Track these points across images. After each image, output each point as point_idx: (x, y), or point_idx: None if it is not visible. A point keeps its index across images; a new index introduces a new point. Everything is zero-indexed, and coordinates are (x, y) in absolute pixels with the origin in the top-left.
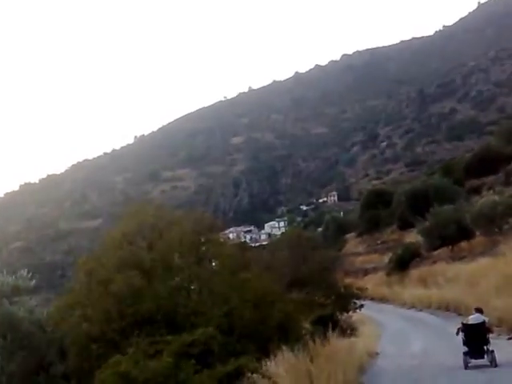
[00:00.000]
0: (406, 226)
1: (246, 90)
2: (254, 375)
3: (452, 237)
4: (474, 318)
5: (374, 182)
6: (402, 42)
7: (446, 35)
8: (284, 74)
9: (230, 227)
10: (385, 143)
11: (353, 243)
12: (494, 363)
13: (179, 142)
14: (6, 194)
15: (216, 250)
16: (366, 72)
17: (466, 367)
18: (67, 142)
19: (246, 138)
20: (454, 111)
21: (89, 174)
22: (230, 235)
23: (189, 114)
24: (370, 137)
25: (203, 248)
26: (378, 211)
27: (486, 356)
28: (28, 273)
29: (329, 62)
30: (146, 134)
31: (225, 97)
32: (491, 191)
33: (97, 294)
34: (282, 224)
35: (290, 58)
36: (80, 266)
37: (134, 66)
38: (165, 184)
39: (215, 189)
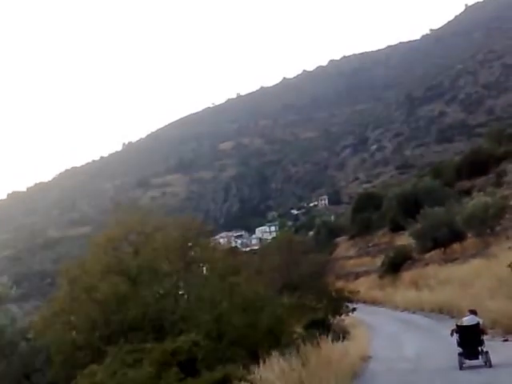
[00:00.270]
0: (397, 228)
1: (234, 96)
2: (242, 383)
3: (444, 239)
4: (468, 320)
5: (365, 185)
6: (388, 46)
7: (434, 39)
8: (272, 79)
9: (220, 232)
10: (374, 147)
11: (344, 247)
12: (488, 364)
13: (168, 149)
14: None
15: (204, 254)
16: (354, 77)
17: (461, 368)
18: (55, 149)
19: (235, 144)
20: (443, 114)
21: (77, 181)
22: (221, 240)
23: (177, 120)
24: (360, 140)
25: (191, 253)
26: (368, 214)
27: (480, 357)
28: (9, 281)
29: (316, 68)
30: (134, 140)
31: (213, 103)
32: (482, 193)
33: (81, 301)
34: (273, 228)
35: (278, 64)
36: (63, 274)
37: (122, 74)
38: (154, 190)
39: (205, 194)
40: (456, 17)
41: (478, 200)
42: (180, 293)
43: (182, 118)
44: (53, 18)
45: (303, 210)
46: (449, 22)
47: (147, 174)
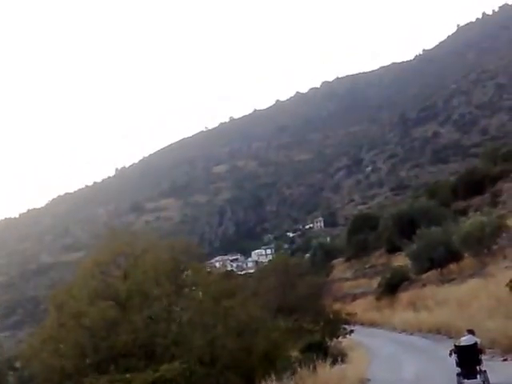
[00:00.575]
0: (393, 249)
1: (227, 119)
2: None
3: (440, 259)
4: (466, 340)
5: (360, 206)
6: (381, 67)
7: (426, 59)
8: (265, 102)
9: (216, 256)
10: (369, 168)
11: (341, 268)
12: (486, 383)
13: (161, 173)
14: None
15: (196, 277)
16: (348, 98)
17: None
18: (47, 175)
19: (230, 167)
20: (437, 134)
21: (70, 207)
22: (216, 264)
23: (170, 144)
24: (354, 162)
25: (183, 276)
26: (364, 235)
27: (478, 376)
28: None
29: (310, 90)
30: (127, 166)
31: (206, 127)
32: (478, 212)
33: (69, 327)
34: (268, 251)
35: (271, 86)
36: (50, 300)
37: (115, 99)
38: (148, 215)
39: (200, 218)
40: (448, 37)
41: (474, 219)
42: (172, 317)
43: (175, 143)
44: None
45: (299, 233)
46: (441, 42)
47: (141, 198)
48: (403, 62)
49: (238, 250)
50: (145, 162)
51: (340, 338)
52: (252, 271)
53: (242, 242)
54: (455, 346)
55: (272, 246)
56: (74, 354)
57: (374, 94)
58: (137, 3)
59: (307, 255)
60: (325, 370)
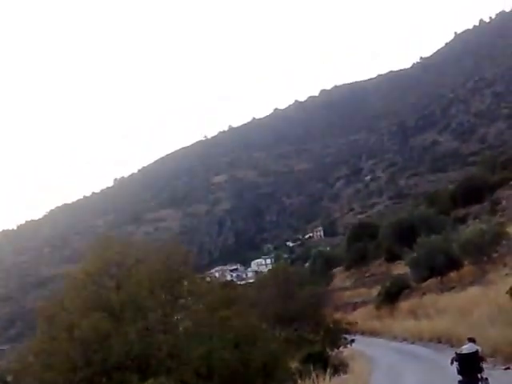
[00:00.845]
0: (393, 257)
1: (226, 128)
2: None
3: (440, 267)
4: (467, 348)
5: (359, 216)
6: (379, 75)
7: (424, 67)
8: (263, 110)
9: (215, 266)
10: (368, 177)
11: (340, 277)
12: None
13: (160, 183)
14: None
15: (192, 287)
16: (346, 106)
17: None
18: (45, 186)
19: (229, 177)
20: (436, 143)
21: (69, 218)
22: (216, 274)
23: (169, 154)
24: (354, 171)
25: (177, 285)
26: (364, 244)
27: None
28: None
29: (308, 98)
30: (125, 176)
31: (205, 136)
32: (477, 220)
33: (60, 340)
34: (268, 261)
35: (269, 94)
36: (40, 312)
37: (112, 110)
38: (147, 225)
39: (199, 228)
40: (446, 44)
41: (474, 227)
42: (167, 328)
43: (173, 152)
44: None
45: (299, 242)
46: (439, 49)
47: (140, 209)
48: (401, 69)
49: (237, 260)
50: (144, 171)
51: (341, 348)
52: (252, 281)
53: (242, 252)
54: (456, 354)
55: (272, 255)
56: (66, 367)
57: (372, 102)
58: (140, 7)
59: (307, 264)
60: (325, 381)
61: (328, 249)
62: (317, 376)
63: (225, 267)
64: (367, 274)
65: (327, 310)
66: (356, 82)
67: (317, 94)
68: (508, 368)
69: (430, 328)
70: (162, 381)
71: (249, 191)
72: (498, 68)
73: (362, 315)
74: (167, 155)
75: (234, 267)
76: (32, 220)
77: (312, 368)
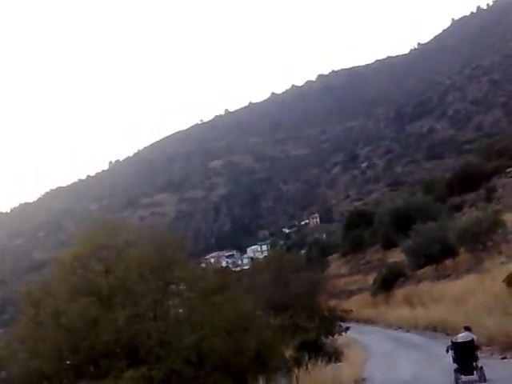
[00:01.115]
0: (389, 245)
1: (223, 112)
2: None
3: (436, 255)
4: (462, 337)
5: (356, 203)
6: (377, 61)
7: (421, 53)
8: (260, 94)
9: (212, 252)
10: (365, 164)
11: (336, 264)
12: (483, 379)
13: (156, 168)
14: None
15: (183, 272)
16: (343, 92)
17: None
18: (40, 168)
19: (225, 162)
20: (433, 130)
21: (63, 201)
22: (211, 260)
23: (165, 138)
24: (350, 158)
25: (169, 271)
26: (360, 231)
27: (475, 372)
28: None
29: (305, 83)
30: (121, 159)
31: (201, 120)
32: (473, 208)
33: (46, 327)
34: (264, 248)
35: (266, 79)
36: (25, 297)
37: (108, 92)
38: (143, 210)
39: (195, 214)
40: (444, 31)
41: (470, 215)
42: (157, 315)
43: (169, 136)
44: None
45: (295, 229)
46: (436, 36)
47: (135, 193)
48: (398, 55)
49: (233, 246)
50: (139, 155)
51: (336, 336)
52: (247, 267)
53: (238, 239)
54: (452, 342)
55: (268, 242)
56: (52, 355)
57: (369, 88)
58: None
59: (303, 251)
60: (320, 368)
61: (324, 236)
62: (311, 364)
63: (221, 253)
64: (363, 262)
65: (322, 297)
66: (353, 67)
67: (314, 78)
68: (505, 358)
69: (425, 316)
70: (144, 371)
71: (245, 177)
72: (495, 55)
73: (357, 303)
74: (163, 139)
75: (230, 253)
76: (26, 203)
77: (307, 356)
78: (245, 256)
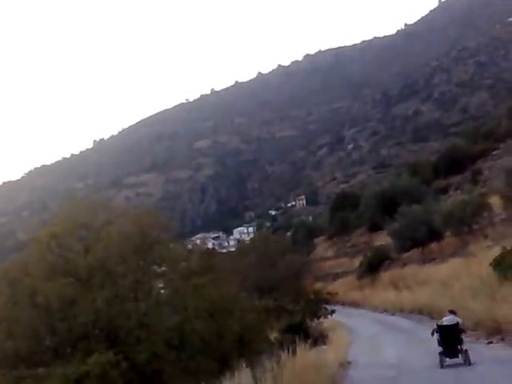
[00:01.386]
0: (375, 227)
1: (209, 92)
2: None
3: (422, 238)
4: (448, 320)
5: (342, 185)
6: (363, 41)
7: (408, 34)
8: (246, 74)
9: (198, 234)
10: (351, 146)
11: (322, 247)
12: (467, 362)
13: (142, 147)
14: None
15: (166, 253)
16: (330, 73)
17: (442, 366)
18: (24, 146)
19: (212, 142)
20: (418, 113)
21: (47, 180)
22: (197, 241)
23: (150, 116)
24: (336, 139)
25: (150, 251)
26: (346, 214)
27: (460, 355)
28: None
29: (292, 63)
30: (105, 138)
31: (187, 99)
32: (459, 191)
33: (22, 306)
34: (250, 230)
35: (252, 58)
36: (2, 276)
37: (93, 69)
38: (128, 190)
39: (181, 195)
40: (430, 11)
41: (455, 198)
42: (138, 296)
43: (155, 115)
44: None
45: (281, 211)
46: (423, 17)
47: (120, 173)
48: (385, 36)
49: (219, 227)
50: (124, 134)
51: (321, 319)
52: (233, 249)
53: (224, 220)
54: (437, 325)
55: (254, 224)
56: (29, 335)
57: (356, 69)
58: None
59: (289, 233)
60: (305, 352)
61: (310, 218)
62: (296, 347)
63: (207, 235)
64: (349, 244)
65: (308, 280)
66: (340, 47)
67: (300, 58)
68: (491, 342)
69: (410, 299)
70: (110, 356)
71: (231, 157)
72: (481, 37)
73: (343, 286)
74: (148, 117)
75: (216, 235)
76: (9, 181)
77: (291, 339)
78: (231, 238)
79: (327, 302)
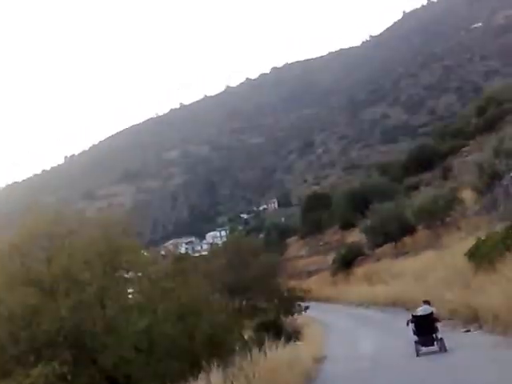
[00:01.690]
0: (347, 226)
1: (178, 106)
2: None
3: (395, 233)
4: (422, 310)
5: (313, 187)
6: (330, 53)
7: (374, 44)
8: (215, 88)
9: (170, 240)
10: (321, 149)
11: (295, 247)
12: (443, 349)
13: (112, 159)
14: None
15: (132, 257)
16: (298, 83)
17: (418, 355)
18: None
19: (182, 152)
20: (386, 116)
21: (19, 196)
22: (170, 247)
23: (121, 131)
24: (306, 144)
25: (116, 256)
26: (319, 214)
27: (435, 343)
28: None
29: (260, 75)
30: (76, 153)
31: (156, 113)
32: (430, 187)
33: None
34: (223, 233)
35: (220, 73)
36: None
37: (63, 85)
38: (100, 201)
39: (153, 203)
40: (395, 23)
41: (426, 192)
42: (103, 303)
43: (125, 129)
44: None
45: (253, 214)
46: (388, 28)
47: (92, 185)
48: (351, 47)
49: (192, 233)
50: (95, 149)
51: (295, 316)
52: (206, 253)
53: (197, 225)
54: (412, 315)
55: (226, 227)
56: None
57: (323, 79)
58: None
59: (261, 235)
60: (278, 348)
61: (283, 219)
62: (269, 344)
63: (179, 240)
64: (322, 243)
65: (282, 279)
66: (307, 59)
67: (268, 71)
68: (468, 330)
69: (385, 293)
70: (54, 365)
71: (202, 166)
72: (447, 43)
73: (317, 282)
74: (119, 132)
75: (189, 240)
76: None
77: (265, 336)
78: (204, 242)
79: (302, 299)
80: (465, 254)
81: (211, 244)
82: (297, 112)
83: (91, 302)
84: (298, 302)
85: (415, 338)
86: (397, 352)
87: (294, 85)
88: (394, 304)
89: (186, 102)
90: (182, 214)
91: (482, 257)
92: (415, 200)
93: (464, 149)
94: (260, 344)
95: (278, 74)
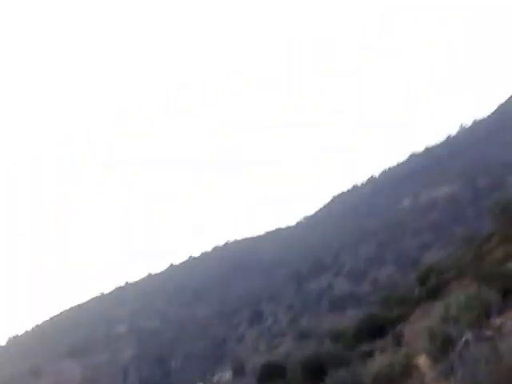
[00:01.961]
0: None
1: (123, 284)
2: None
3: None
4: None
5: (266, 355)
6: (267, 232)
7: (308, 224)
8: (158, 267)
9: None
10: (270, 320)
11: None
12: None
13: (59, 338)
14: None
15: None
16: (241, 259)
17: None
18: None
19: (130, 326)
20: (331, 286)
21: None
22: None
23: (66, 310)
24: (255, 315)
25: None
26: None
27: None
28: None
29: (201, 254)
30: (20, 334)
31: (101, 292)
32: (384, 353)
33: None
34: None
35: (164, 252)
36: None
37: None
38: (47, 378)
39: (101, 380)
40: (325, 206)
41: (382, 360)
42: None
43: (71, 308)
44: None
45: None
46: (320, 208)
47: (39, 361)
48: (288, 227)
49: None
50: (40, 328)
51: None
52: None
53: None
54: None
55: None
56: None
57: (265, 255)
58: None
59: None
60: None
61: None
62: None
63: None
64: None
65: None
66: (246, 238)
67: (210, 249)
68: None
69: None
70: None
71: (152, 339)
72: (378, 222)
73: None
74: (65, 311)
75: None
76: None
77: None
78: None
79: None
80: None
81: None
82: (243, 283)
83: None
84: None
85: None
86: None
87: (237, 260)
88: None
89: (131, 280)
90: None
91: None
92: (371, 367)
93: (411, 316)
94: None
95: (220, 252)
